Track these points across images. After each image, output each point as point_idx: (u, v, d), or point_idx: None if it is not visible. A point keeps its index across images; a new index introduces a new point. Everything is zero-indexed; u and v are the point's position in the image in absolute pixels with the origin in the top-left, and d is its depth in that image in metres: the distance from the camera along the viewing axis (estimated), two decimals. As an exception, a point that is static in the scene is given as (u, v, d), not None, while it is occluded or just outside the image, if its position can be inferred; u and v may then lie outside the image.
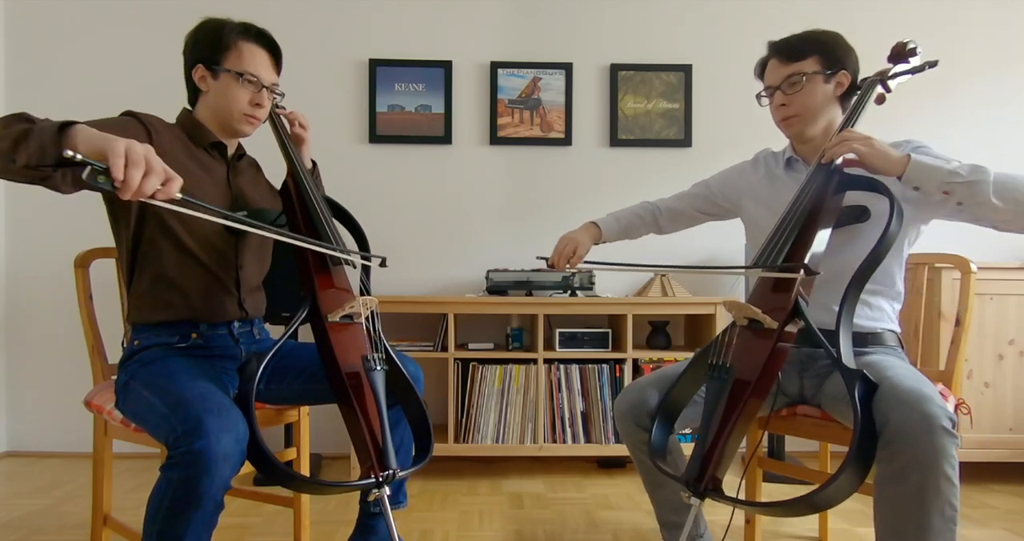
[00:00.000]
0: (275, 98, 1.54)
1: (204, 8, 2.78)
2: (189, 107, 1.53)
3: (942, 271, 2.27)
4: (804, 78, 1.46)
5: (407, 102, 2.84)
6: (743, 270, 1.35)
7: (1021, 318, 2.37)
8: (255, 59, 1.46)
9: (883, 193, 1.32)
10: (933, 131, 2.86)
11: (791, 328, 1.27)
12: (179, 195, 1.02)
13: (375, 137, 2.83)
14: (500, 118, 2.86)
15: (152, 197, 0.99)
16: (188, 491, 1.10)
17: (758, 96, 1.57)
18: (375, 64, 2.82)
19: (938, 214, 1.42)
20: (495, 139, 2.86)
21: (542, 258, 1.69)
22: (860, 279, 1.27)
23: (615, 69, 2.87)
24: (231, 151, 1.57)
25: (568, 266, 1.65)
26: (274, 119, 1.63)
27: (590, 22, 2.89)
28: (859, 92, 1.50)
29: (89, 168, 0.93)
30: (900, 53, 1.52)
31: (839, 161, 1.41)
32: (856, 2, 2.89)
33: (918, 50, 1.50)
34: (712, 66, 2.90)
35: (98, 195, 1.24)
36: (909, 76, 1.52)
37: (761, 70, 1.59)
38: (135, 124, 1.37)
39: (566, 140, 2.87)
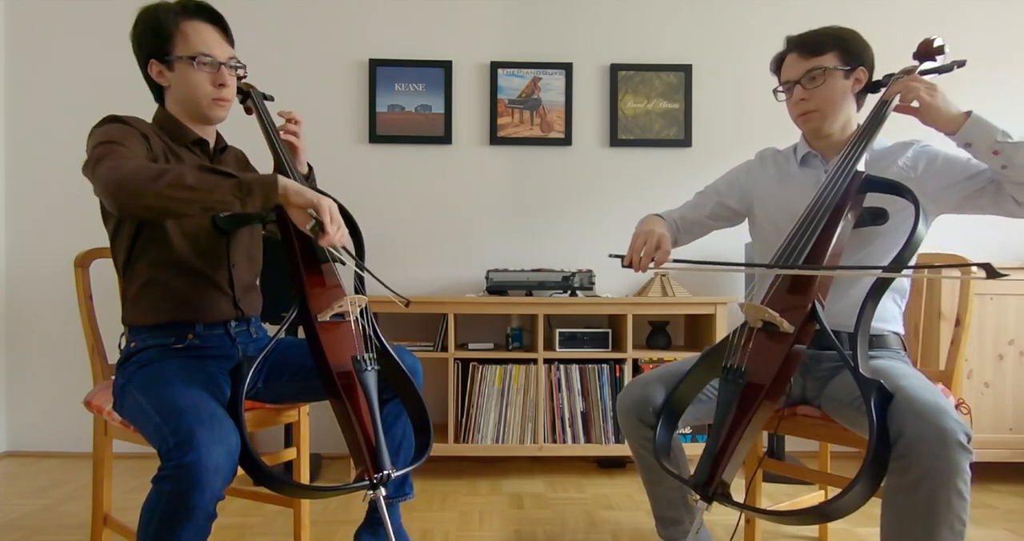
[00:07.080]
0: (238, 72, 1.47)
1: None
2: (160, 105, 1.49)
3: (942, 271, 2.27)
4: (824, 72, 1.45)
5: (407, 102, 2.84)
6: (927, 271, 1.28)
7: (1021, 318, 2.37)
8: (202, 37, 1.40)
9: (907, 197, 1.30)
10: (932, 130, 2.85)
11: (805, 331, 1.24)
12: (341, 245, 1.30)
13: (375, 137, 2.83)
14: (500, 118, 2.86)
15: (332, 244, 1.26)
16: (179, 504, 1.10)
17: (775, 91, 1.55)
18: (375, 64, 2.82)
19: (952, 202, 1.42)
20: (495, 139, 2.86)
21: (616, 256, 1.43)
22: (882, 286, 1.25)
23: (615, 69, 2.87)
24: (212, 145, 1.53)
25: (653, 266, 1.42)
26: (259, 110, 1.59)
27: (590, 22, 2.89)
28: (884, 89, 1.46)
29: (314, 221, 1.24)
30: (927, 51, 1.46)
31: (894, 103, 1.41)
32: (856, 1, 2.89)
33: (946, 48, 1.45)
34: (712, 66, 2.90)
35: (96, 195, 1.25)
36: (936, 76, 1.45)
37: (778, 65, 1.57)
38: (134, 132, 1.36)
39: (566, 140, 2.87)
